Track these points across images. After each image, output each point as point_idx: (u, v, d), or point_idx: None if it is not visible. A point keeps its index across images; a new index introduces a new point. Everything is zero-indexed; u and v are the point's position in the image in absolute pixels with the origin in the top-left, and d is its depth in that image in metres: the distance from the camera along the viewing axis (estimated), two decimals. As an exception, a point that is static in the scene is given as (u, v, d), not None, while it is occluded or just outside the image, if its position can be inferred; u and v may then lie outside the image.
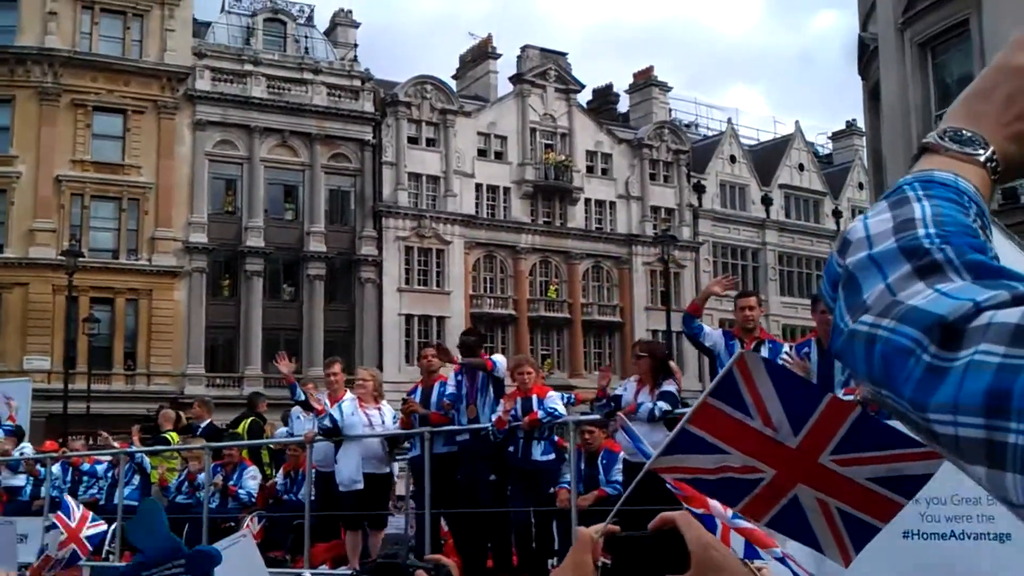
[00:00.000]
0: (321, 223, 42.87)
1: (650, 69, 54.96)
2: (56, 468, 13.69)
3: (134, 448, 12.91)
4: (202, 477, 11.68)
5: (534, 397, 8.94)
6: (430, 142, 45.72)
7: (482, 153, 47.15)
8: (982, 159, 1.00)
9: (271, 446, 12.86)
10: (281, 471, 11.64)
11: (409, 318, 43.83)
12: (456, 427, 9.38)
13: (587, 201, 49.32)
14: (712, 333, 9.00)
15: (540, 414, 8.78)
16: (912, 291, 0.84)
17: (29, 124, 38.55)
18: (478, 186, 46.62)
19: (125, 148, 40.15)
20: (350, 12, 47.89)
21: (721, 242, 52.73)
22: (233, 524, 10.99)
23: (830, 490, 4.80)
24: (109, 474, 13.11)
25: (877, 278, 0.87)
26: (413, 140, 45.24)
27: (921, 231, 0.88)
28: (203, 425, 13.28)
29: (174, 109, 40.85)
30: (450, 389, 9.55)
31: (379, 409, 10.06)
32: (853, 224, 0.94)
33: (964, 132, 1.02)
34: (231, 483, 11.62)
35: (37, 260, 37.37)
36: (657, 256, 45.27)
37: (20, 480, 14.54)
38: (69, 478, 13.85)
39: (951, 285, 0.83)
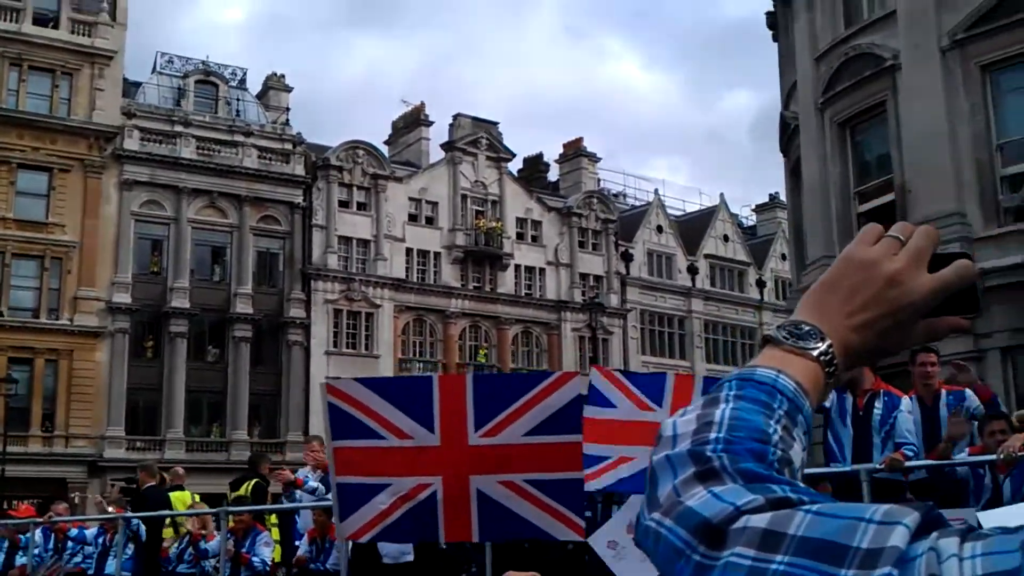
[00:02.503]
0: (249, 285, 42.52)
1: (579, 140, 55.99)
2: (38, 535, 12.75)
3: (131, 514, 11.62)
4: (209, 544, 10.79)
5: None
6: (361, 206, 45.82)
7: (413, 218, 47.37)
8: (815, 354, 1.08)
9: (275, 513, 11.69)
10: (306, 538, 10.44)
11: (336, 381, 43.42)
12: None
13: (517, 267, 49.73)
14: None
15: None
16: (691, 493, 0.92)
17: (-50, 180, 37.82)
18: (408, 250, 46.74)
19: (49, 206, 39.53)
20: (283, 76, 48.08)
21: (649, 309, 53.45)
22: None
23: (503, 467, 4.98)
24: (99, 540, 12.16)
25: (669, 478, 0.96)
26: (344, 204, 45.29)
27: (712, 435, 0.97)
28: (144, 489, 12.36)
29: (101, 168, 40.41)
30: None
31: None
32: (666, 421, 1.04)
33: (804, 326, 1.10)
34: (243, 550, 10.59)
35: (-47, 318, 36.41)
36: (586, 322, 45.72)
37: None
38: (51, 545, 12.94)
39: (723, 488, 0.91)
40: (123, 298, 40.01)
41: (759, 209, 65.11)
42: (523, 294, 49.77)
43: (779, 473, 0.93)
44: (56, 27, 40.98)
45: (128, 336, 40.05)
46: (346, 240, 45.04)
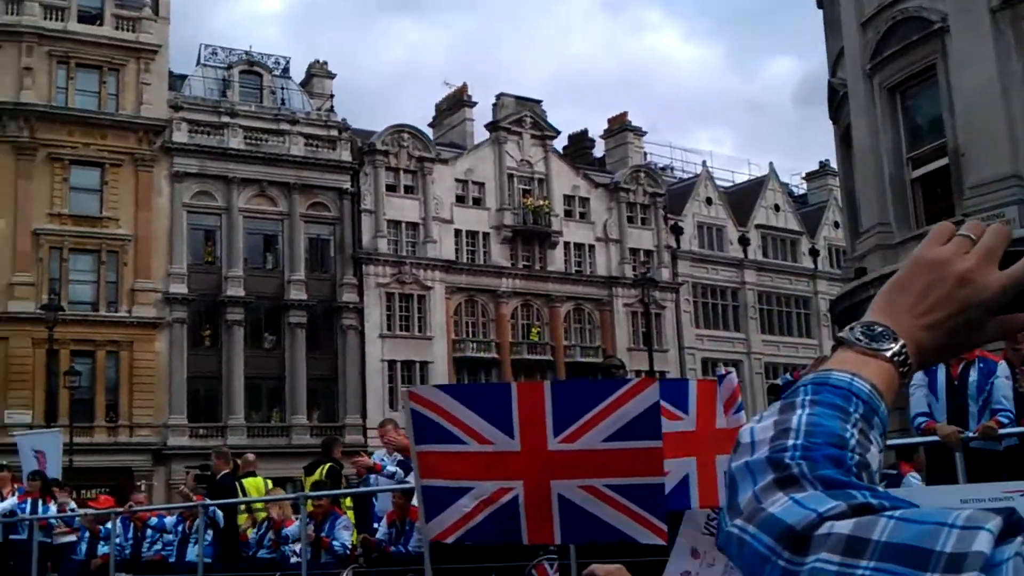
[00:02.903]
0: (301, 271, 42.93)
1: (624, 114, 55.60)
2: (118, 524, 12.83)
3: (210, 501, 11.54)
4: (288, 529, 10.82)
5: None
6: (408, 189, 46.00)
7: (460, 199, 47.45)
8: (888, 355, 1.10)
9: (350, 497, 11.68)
10: (384, 521, 10.37)
11: (392, 364, 43.81)
12: None
13: (566, 244, 49.64)
14: None
15: None
16: (772, 499, 0.95)
17: (6, 179, 38.55)
18: (457, 232, 46.86)
19: (103, 201, 40.16)
20: (325, 63, 48.30)
21: (700, 282, 53.12)
22: None
23: (583, 471, 4.96)
24: (179, 528, 12.27)
25: (749, 485, 0.98)
26: (391, 188, 45.50)
27: (790, 441, 1.00)
28: (219, 477, 12.44)
29: (151, 161, 40.96)
30: None
31: None
32: (744, 427, 1.06)
33: (876, 327, 1.13)
34: (323, 534, 10.60)
35: (17, 314, 37.19)
36: (638, 298, 45.61)
37: (71, 537, 13.84)
38: (131, 534, 13.06)
39: (803, 494, 0.93)
40: (179, 288, 40.60)
41: (810, 177, 64.34)
42: (573, 271, 49.70)
43: (857, 478, 0.96)
44: (101, 24, 41.51)
45: (186, 326, 40.65)
46: (395, 224, 45.27)
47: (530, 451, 4.60)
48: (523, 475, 4.67)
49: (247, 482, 12.63)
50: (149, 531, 12.82)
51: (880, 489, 0.95)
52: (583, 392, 4.78)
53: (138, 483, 34.36)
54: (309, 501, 10.28)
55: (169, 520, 12.70)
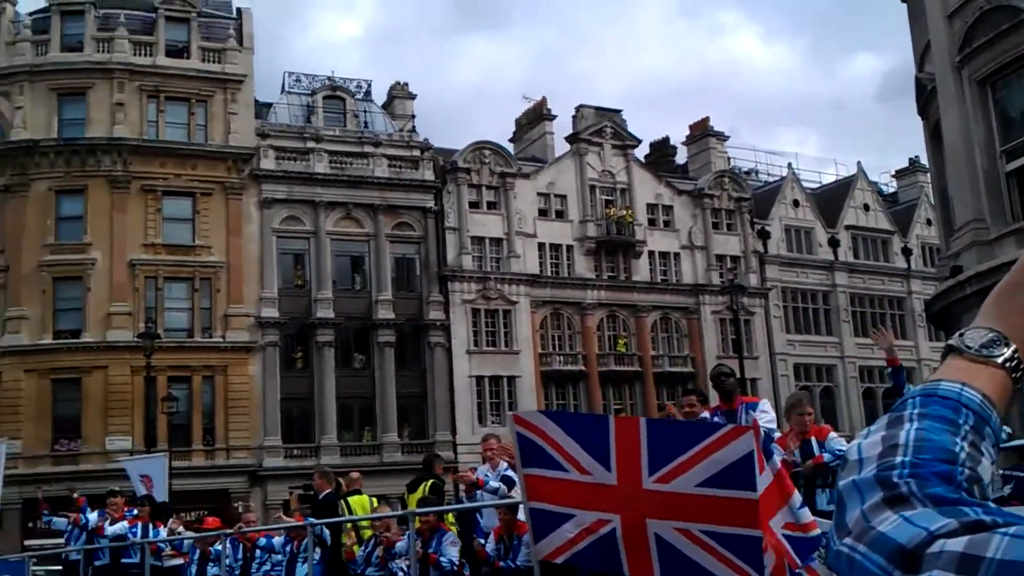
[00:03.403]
0: (388, 291, 43.39)
1: (706, 120, 55.06)
2: (228, 545, 12.93)
3: (316, 520, 11.62)
4: (399, 547, 10.83)
5: (813, 439, 8.07)
6: (491, 205, 46.20)
7: (543, 213, 47.48)
8: (1000, 361, 1.06)
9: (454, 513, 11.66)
10: (492, 536, 10.35)
11: (480, 379, 43.97)
12: None
13: (651, 253, 49.27)
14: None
15: (826, 457, 7.88)
16: (882, 518, 0.93)
17: (102, 212, 39.79)
18: (541, 245, 46.88)
19: (195, 229, 41.16)
20: (406, 84, 48.89)
21: (790, 286, 52.24)
22: None
23: (678, 514, 4.75)
24: (287, 548, 12.31)
25: (857, 504, 0.96)
26: (474, 204, 45.75)
27: (898, 458, 0.97)
28: (322, 495, 12.50)
29: (240, 189, 41.87)
30: None
31: None
32: (852, 444, 1.04)
33: (987, 333, 1.08)
34: (430, 551, 10.61)
35: (115, 343, 38.31)
36: (726, 304, 45.03)
37: (179, 560, 14.02)
38: (240, 555, 13.12)
39: (913, 512, 0.91)
40: (271, 312, 41.35)
41: (899, 174, 62.84)
42: (659, 280, 49.30)
43: (968, 494, 0.94)
44: (188, 57, 42.64)
45: (278, 349, 41.37)
46: (479, 240, 45.48)
47: (626, 486, 4.51)
48: (620, 510, 4.60)
49: (353, 500, 12.66)
50: (258, 552, 12.88)
51: (992, 505, 0.92)
52: (678, 433, 4.67)
53: (236, 504, 34.99)
54: (417, 518, 10.25)
55: (277, 540, 12.76)
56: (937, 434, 0.99)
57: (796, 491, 5.64)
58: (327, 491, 12.51)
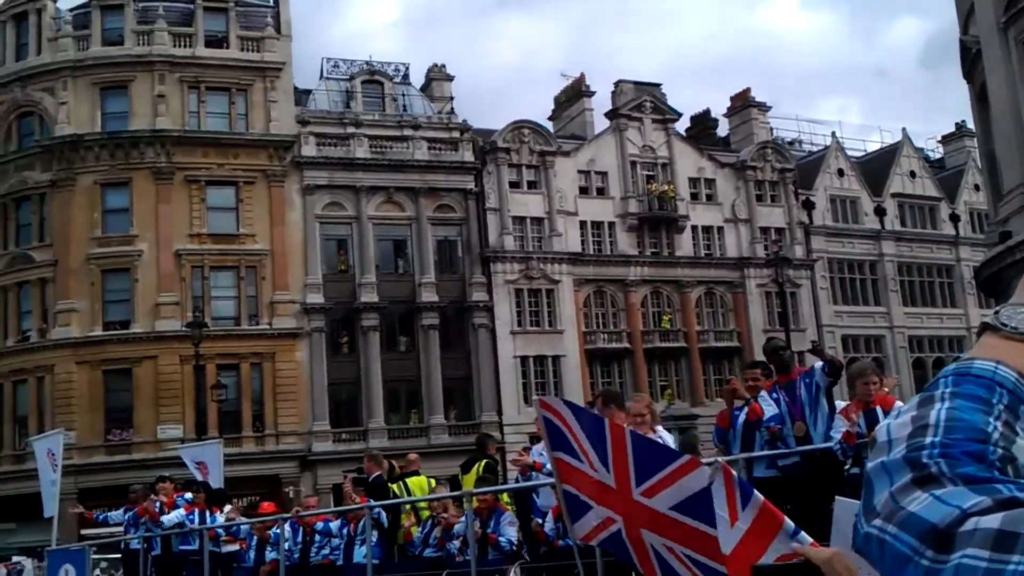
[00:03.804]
0: (432, 274, 43.50)
1: (747, 91, 54.42)
2: (287, 529, 12.93)
3: (375, 503, 11.55)
4: (458, 528, 10.76)
5: (878, 409, 7.91)
6: (531, 184, 46.08)
7: (584, 190, 47.28)
8: None
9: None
10: (551, 515, 10.07)
11: (524, 360, 43.99)
12: (784, 450, 8.29)
13: (694, 228, 48.90)
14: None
15: None
16: (911, 498, 0.92)
17: (147, 203, 40.24)
18: (582, 223, 46.70)
19: (239, 218, 41.50)
20: (443, 66, 48.80)
21: (836, 257, 51.62)
22: None
23: (663, 531, 4.64)
24: (344, 531, 12.31)
25: (885, 485, 0.95)
26: (514, 184, 45.66)
27: (928, 439, 0.95)
28: (372, 478, 12.48)
29: (283, 176, 42.12)
30: (770, 411, 8.59)
31: (660, 437, 8.84)
32: (881, 425, 1.01)
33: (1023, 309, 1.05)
34: (489, 531, 10.52)
35: (164, 333, 38.81)
36: (771, 277, 44.66)
37: (235, 546, 14.03)
38: (300, 539, 13.08)
39: (944, 490, 0.90)
40: (316, 298, 41.63)
41: (945, 140, 61.72)
42: (703, 255, 48.93)
43: (1001, 472, 0.92)
44: (227, 46, 42.89)
45: (324, 334, 41.67)
46: (520, 220, 45.40)
47: (621, 492, 4.50)
48: (621, 512, 4.59)
49: (411, 481, 12.69)
50: (317, 536, 12.87)
51: None
52: (655, 451, 4.65)
53: (287, 489, 35.38)
54: (474, 498, 10.20)
55: (334, 524, 12.78)
56: (969, 413, 0.96)
57: (786, 519, 5.57)
58: (377, 473, 12.54)
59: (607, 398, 9.63)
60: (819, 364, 8.82)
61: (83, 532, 31.76)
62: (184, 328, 36.26)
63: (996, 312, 1.07)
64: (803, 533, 5.48)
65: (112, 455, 37.57)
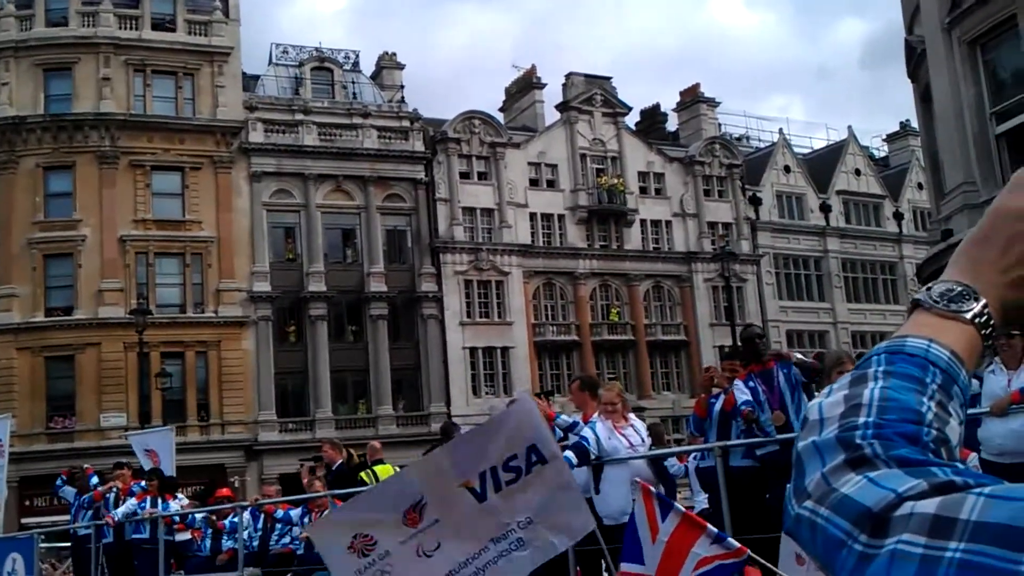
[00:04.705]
0: (380, 263, 43.29)
1: (696, 86, 54.83)
2: (246, 517, 12.72)
3: (335, 491, 11.37)
4: None
5: None
6: (481, 176, 46.03)
7: (534, 183, 47.33)
8: (969, 316, 1.01)
9: None
10: None
11: (473, 351, 43.98)
12: (763, 439, 8.18)
13: (643, 222, 49.18)
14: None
15: None
16: (844, 480, 0.89)
17: (90, 188, 39.56)
18: (532, 215, 46.76)
19: (185, 204, 40.96)
20: (394, 55, 48.52)
21: (782, 253, 52.23)
22: None
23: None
24: (304, 520, 12.08)
25: (817, 465, 0.92)
26: (465, 175, 45.58)
27: (861, 419, 0.92)
28: (335, 466, 12.33)
29: (230, 163, 41.63)
30: (743, 397, 8.49)
31: (632, 426, 8.82)
32: (812, 403, 0.99)
33: (955, 286, 1.03)
34: None
35: (107, 320, 38.20)
36: (718, 272, 45.05)
37: (186, 534, 13.84)
38: (260, 526, 12.88)
39: (879, 473, 0.87)
40: (263, 287, 41.24)
41: (890, 139, 62.73)
42: (651, 249, 49.24)
43: (935, 455, 0.90)
44: (174, 30, 42.26)
45: (271, 323, 41.30)
46: (470, 211, 45.35)
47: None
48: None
49: (379, 469, 12.47)
50: (278, 524, 12.70)
51: (961, 466, 0.89)
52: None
53: (232, 479, 35.07)
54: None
55: (295, 512, 12.62)
56: (903, 393, 0.94)
57: (708, 526, 5.67)
58: (339, 461, 12.36)
59: (583, 384, 9.62)
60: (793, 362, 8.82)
61: (23, 522, 31.25)
62: (128, 315, 35.73)
63: (928, 288, 1.05)
64: (729, 539, 5.58)
65: (54, 443, 36.92)
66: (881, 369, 0.97)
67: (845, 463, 0.90)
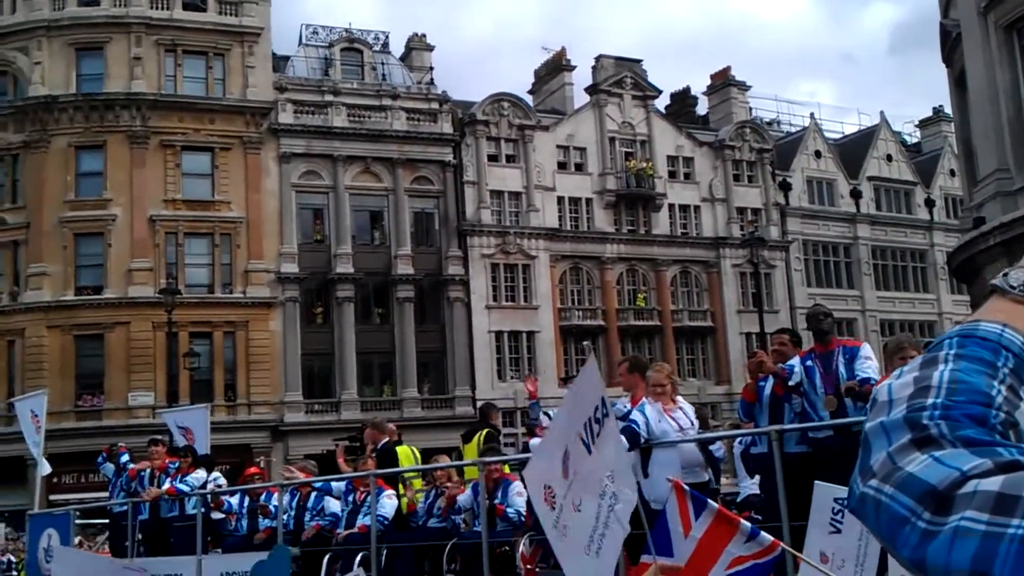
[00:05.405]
0: (408, 246, 43.33)
1: (727, 69, 54.36)
2: (286, 498, 12.46)
3: (374, 471, 11.21)
4: (462, 499, 10.47)
5: None
6: (510, 158, 45.91)
7: (562, 166, 47.16)
8: None
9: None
10: None
11: (499, 335, 43.98)
12: (815, 423, 7.98)
13: (671, 206, 48.92)
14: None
15: None
16: (910, 459, 0.90)
17: (121, 168, 39.81)
18: (560, 199, 46.62)
19: (214, 185, 41.15)
20: (424, 36, 48.39)
21: (811, 239, 51.82)
22: (507, 548, 9.93)
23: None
24: (349, 499, 11.79)
25: (883, 445, 0.93)
26: (493, 158, 45.48)
27: (929, 400, 0.93)
28: (381, 445, 12.17)
29: (259, 143, 41.76)
30: (797, 379, 8.27)
31: (681, 409, 8.69)
32: (882, 385, 0.99)
33: None
34: (497, 501, 10.12)
35: (136, 299, 38.49)
36: (746, 258, 44.71)
37: (220, 514, 13.63)
38: (294, 504, 12.61)
39: (944, 452, 0.89)
40: (291, 268, 41.40)
41: (923, 124, 61.99)
42: (679, 233, 48.98)
43: (1003, 437, 0.91)
44: (205, 10, 42.38)
45: (298, 304, 41.47)
46: (498, 194, 45.27)
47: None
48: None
49: (399, 450, 12.40)
50: (311, 504, 12.44)
51: None
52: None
53: (258, 459, 35.29)
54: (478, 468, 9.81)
55: (336, 486, 12.23)
56: (972, 376, 0.94)
57: (742, 522, 5.57)
58: (384, 440, 12.22)
59: (633, 365, 9.36)
60: (861, 350, 8.47)
61: (51, 498, 31.64)
62: (157, 295, 36.01)
63: (1005, 274, 1.05)
64: (763, 534, 5.50)
65: (82, 421, 37.31)
66: (952, 352, 0.98)
67: (911, 443, 0.91)
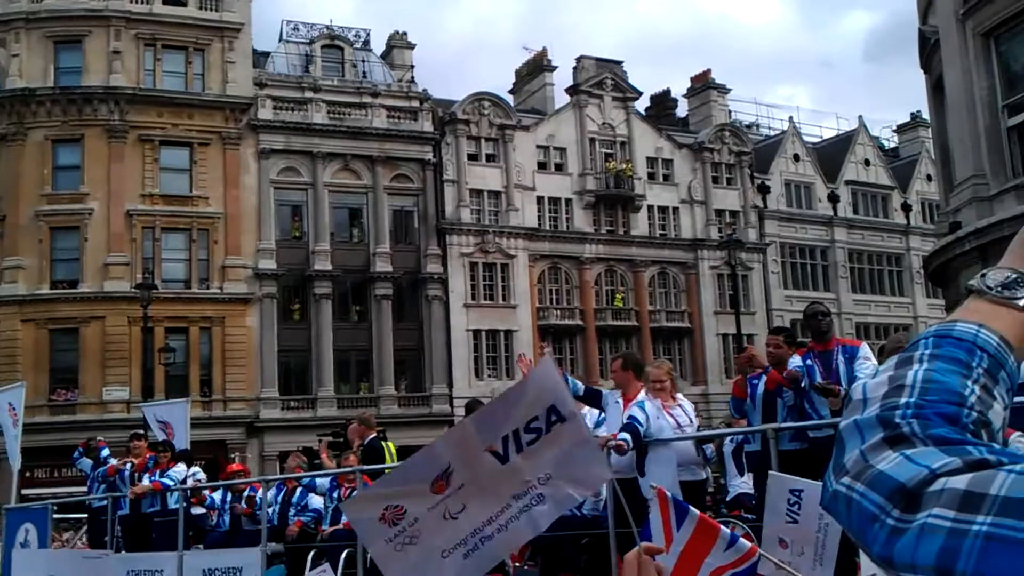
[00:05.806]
0: (386, 243, 43.26)
1: (707, 72, 54.63)
2: (271, 492, 12.37)
3: (359, 467, 10.92)
4: None
5: None
6: (490, 158, 45.93)
7: (542, 166, 47.21)
8: (1022, 303, 1.02)
9: None
10: None
11: (477, 333, 43.99)
12: (815, 422, 7.95)
13: (650, 208, 49.08)
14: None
15: None
16: (881, 457, 0.91)
17: (99, 161, 39.55)
18: (539, 199, 46.68)
19: (192, 180, 40.95)
20: (405, 34, 48.33)
21: (788, 242, 52.11)
22: None
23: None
24: (334, 495, 11.72)
25: (856, 443, 0.94)
26: (473, 157, 45.48)
27: (903, 399, 0.94)
28: (368, 440, 12.12)
29: (238, 139, 41.58)
30: (797, 363, 8.27)
31: (680, 406, 8.66)
32: (856, 384, 1.01)
33: (1010, 274, 1.04)
34: None
35: (112, 293, 38.26)
36: (724, 260, 44.93)
37: (201, 509, 13.64)
38: (280, 499, 12.58)
39: (915, 450, 0.89)
40: (268, 264, 41.25)
41: (901, 129, 62.48)
42: (657, 235, 49.14)
43: (975, 436, 0.92)
44: (185, 4, 42.15)
45: (275, 300, 41.32)
46: (477, 193, 45.28)
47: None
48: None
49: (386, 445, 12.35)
50: (295, 501, 12.47)
51: (998, 446, 0.91)
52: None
53: (233, 455, 35.12)
54: None
55: (321, 482, 12.24)
56: (946, 376, 0.95)
57: (722, 528, 5.60)
58: (372, 436, 12.22)
59: (626, 362, 9.06)
60: (860, 349, 8.50)
61: (24, 492, 31.33)
62: (133, 289, 35.79)
63: (982, 275, 1.06)
64: (742, 540, 5.52)
65: (56, 415, 37.04)
66: (928, 352, 0.99)
67: (883, 441, 0.92)
